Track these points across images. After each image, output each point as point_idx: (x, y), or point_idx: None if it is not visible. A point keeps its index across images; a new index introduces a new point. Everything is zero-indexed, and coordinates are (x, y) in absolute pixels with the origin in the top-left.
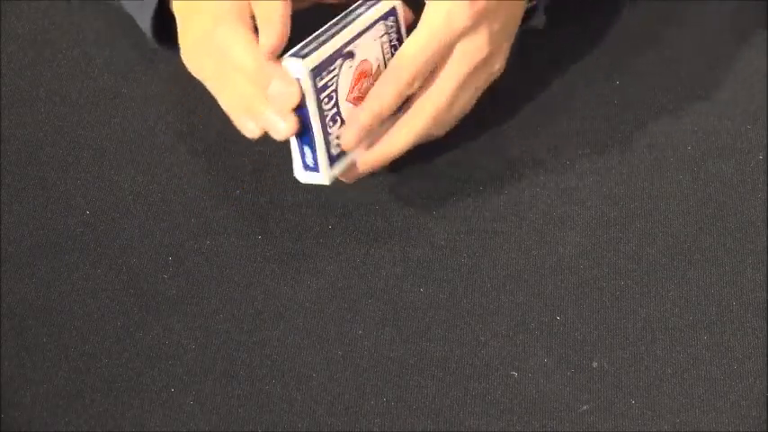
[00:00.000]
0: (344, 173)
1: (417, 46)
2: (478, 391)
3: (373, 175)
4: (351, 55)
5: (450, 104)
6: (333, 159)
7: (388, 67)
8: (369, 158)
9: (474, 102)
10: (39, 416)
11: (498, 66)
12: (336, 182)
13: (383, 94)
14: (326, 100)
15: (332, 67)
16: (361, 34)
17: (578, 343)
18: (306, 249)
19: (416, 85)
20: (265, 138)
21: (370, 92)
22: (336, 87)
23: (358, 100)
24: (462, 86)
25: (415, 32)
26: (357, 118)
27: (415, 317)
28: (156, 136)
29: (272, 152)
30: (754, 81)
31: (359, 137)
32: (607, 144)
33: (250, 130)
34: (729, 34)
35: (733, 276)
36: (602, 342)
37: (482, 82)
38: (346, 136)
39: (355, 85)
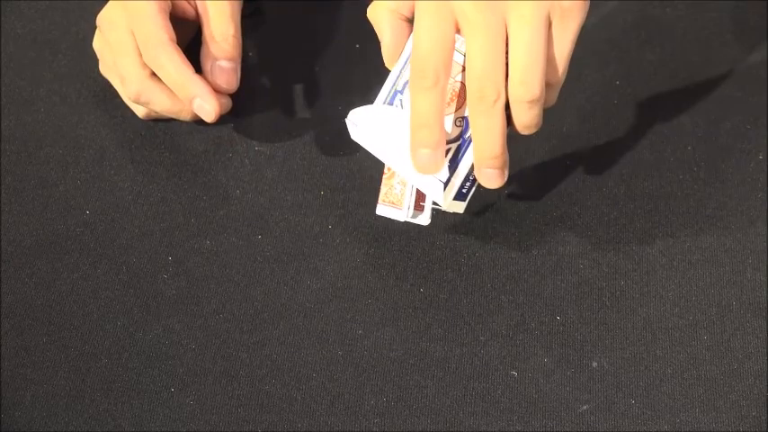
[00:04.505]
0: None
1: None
2: (478, 391)
3: (372, 175)
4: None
5: (533, 45)
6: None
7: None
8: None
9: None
10: (39, 416)
11: None
12: (336, 181)
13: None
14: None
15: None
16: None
17: (578, 343)
18: (306, 249)
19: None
20: (266, 137)
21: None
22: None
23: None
24: (530, 28)
25: None
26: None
27: (415, 317)
28: (155, 136)
29: (271, 152)
30: (754, 81)
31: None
32: (607, 144)
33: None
34: (729, 34)
35: (733, 276)
36: (602, 342)
37: (546, 12)
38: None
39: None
